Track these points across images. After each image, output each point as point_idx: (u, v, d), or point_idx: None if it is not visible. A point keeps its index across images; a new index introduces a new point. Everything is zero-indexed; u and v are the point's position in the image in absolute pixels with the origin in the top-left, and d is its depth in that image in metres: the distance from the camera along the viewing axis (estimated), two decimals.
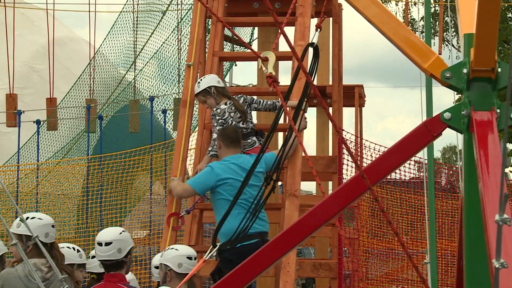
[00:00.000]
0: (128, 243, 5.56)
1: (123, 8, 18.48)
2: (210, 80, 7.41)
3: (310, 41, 6.98)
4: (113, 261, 5.48)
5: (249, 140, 7.25)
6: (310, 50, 5.76)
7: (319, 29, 7.42)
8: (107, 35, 18.88)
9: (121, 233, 5.61)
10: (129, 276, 6.37)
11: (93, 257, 6.47)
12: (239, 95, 7.53)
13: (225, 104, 7.24)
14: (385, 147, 13.45)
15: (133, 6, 17.98)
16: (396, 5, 32.76)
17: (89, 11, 16.65)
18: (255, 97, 7.58)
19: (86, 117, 16.65)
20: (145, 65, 18.47)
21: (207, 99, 7.35)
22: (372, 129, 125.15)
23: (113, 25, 18.69)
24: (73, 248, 6.30)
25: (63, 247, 6.16)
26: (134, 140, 17.45)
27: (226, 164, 6.74)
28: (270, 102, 7.52)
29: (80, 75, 18.65)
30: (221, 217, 6.10)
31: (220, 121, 7.15)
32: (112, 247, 5.47)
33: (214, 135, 7.15)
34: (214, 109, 7.26)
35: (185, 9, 17.16)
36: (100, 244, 5.53)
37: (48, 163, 17.20)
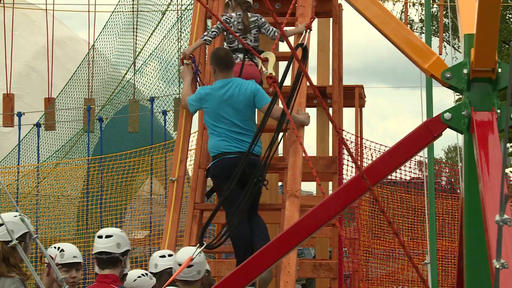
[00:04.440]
0: (127, 243, 5.54)
1: (116, 8, 18.44)
2: None
3: (300, 42, 7.07)
4: (111, 255, 5.44)
5: (234, 56, 7.47)
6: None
7: (309, 30, 7.47)
8: (101, 32, 18.83)
9: (122, 231, 5.62)
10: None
11: None
12: (258, 14, 7.85)
13: (236, 14, 7.66)
14: (386, 147, 13.44)
15: (133, 6, 17.96)
16: (393, 4, 32.71)
17: (89, 11, 16.66)
18: (267, 24, 7.81)
19: (85, 118, 16.64)
20: (146, 65, 18.45)
21: (227, 11, 7.79)
22: (374, 129, 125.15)
23: (107, 22, 18.63)
24: (57, 248, 5.75)
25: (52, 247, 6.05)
26: (134, 141, 17.44)
27: (212, 91, 7.01)
28: (274, 34, 7.76)
29: (75, 72, 18.59)
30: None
31: (224, 17, 7.65)
32: (112, 240, 5.44)
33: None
34: (227, 14, 7.67)
35: (185, 9, 17.16)
36: (100, 237, 5.48)
37: (48, 164, 17.18)
